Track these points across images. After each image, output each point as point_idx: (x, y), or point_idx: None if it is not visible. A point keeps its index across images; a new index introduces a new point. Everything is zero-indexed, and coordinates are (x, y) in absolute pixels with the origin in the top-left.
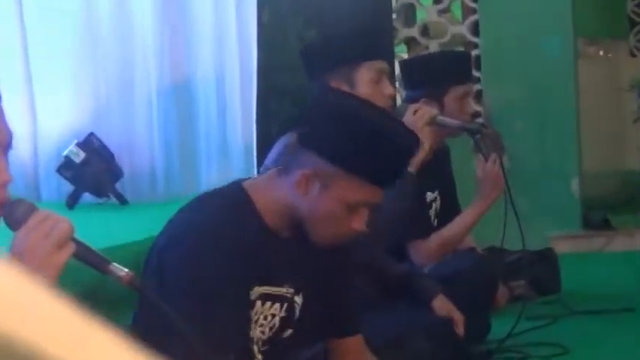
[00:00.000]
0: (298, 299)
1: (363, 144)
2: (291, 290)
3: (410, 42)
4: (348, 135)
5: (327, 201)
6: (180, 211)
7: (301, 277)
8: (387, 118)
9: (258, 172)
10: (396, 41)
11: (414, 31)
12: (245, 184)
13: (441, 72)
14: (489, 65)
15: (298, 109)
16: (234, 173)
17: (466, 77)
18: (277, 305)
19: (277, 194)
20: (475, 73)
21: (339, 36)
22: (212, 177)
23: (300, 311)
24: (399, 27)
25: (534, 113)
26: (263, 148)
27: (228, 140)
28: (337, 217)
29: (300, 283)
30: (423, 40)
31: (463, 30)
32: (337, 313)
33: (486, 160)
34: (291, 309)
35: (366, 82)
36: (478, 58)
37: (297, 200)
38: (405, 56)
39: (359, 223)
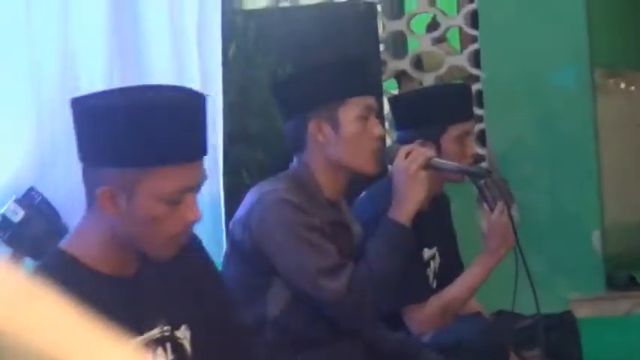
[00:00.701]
0: (181, 334)
1: (134, 130)
2: (168, 328)
3: (400, 76)
4: (116, 131)
5: (142, 208)
6: None
7: (176, 309)
8: (137, 92)
9: (227, 228)
10: (384, 75)
11: (405, 64)
12: (64, 247)
13: (437, 109)
14: (493, 101)
15: (272, 155)
16: (197, 228)
17: (466, 114)
18: (160, 350)
19: (93, 236)
20: (477, 111)
21: (320, 69)
22: None
23: (192, 344)
24: (388, 59)
25: (546, 155)
26: (232, 200)
27: None
28: (162, 217)
29: (177, 315)
30: (415, 74)
31: (462, 61)
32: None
33: (492, 210)
34: (177, 348)
35: (351, 121)
36: (480, 92)
37: (114, 225)
38: (396, 92)
39: (191, 212)
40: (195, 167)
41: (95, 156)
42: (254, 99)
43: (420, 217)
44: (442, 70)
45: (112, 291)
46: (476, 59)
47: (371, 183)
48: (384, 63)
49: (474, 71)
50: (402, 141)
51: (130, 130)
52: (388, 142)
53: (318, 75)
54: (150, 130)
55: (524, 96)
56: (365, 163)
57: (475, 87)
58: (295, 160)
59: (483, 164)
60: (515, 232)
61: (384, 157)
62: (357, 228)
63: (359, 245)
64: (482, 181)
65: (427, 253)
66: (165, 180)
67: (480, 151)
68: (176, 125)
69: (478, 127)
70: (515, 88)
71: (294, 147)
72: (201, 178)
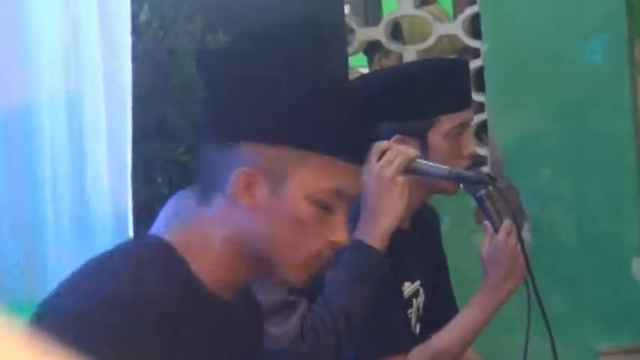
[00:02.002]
0: None
1: (311, 103)
2: None
3: (372, 48)
4: (286, 101)
5: (286, 205)
6: (70, 279)
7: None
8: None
9: None
10: (350, 48)
11: (379, 32)
12: (166, 237)
13: (422, 94)
14: (498, 83)
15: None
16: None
17: (462, 101)
18: None
19: (209, 234)
20: (476, 96)
21: (266, 35)
22: (64, 262)
23: None
24: (356, 25)
25: (570, 157)
26: (144, 216)
27: (89, 207)
28: (308, 223)
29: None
30: (393, 46)
31: (455, 29)
32: None
33: (496, 230)
34: None
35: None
36: (480, 71)
37: (240, 223)
38: (365, 70)
39: (339, 230)
40: (355, 172)
41: (254, 125)
42: (174, 78)
43: (398, 239)
44: (429, 42)
45: (212, 311)
46: (474, 27)
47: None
48: (349, 31)
49: (472, 43)
50: (376, 135)
51: (318, 104)
52: None
53: (265, 45)
54: (322, 112)
55: (539, 76)
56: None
57: (473, 64)
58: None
59: (485, 168)
60: (527, 261)
61: None
62: None
63: (315, 276)
64: (482, 191)
65: (408, 288)
66: (325, 173)
67: (481, 150)
68: (346, 115)
69: (478, 118)
70: (526, 66)
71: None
72: (358, 189)
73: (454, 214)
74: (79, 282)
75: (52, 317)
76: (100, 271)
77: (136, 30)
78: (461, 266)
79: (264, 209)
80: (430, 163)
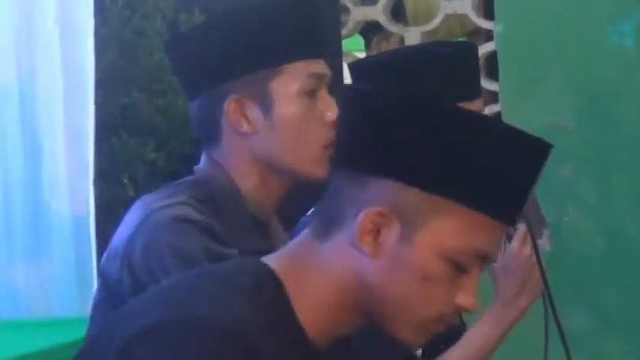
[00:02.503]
0: None
1: (475, 152)
2: None
3: (370, 30)
4: (448, 142)
5: (416, 257)
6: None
7: None
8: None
9: (98, 261)
10: (344, 29)
11: (378, 11)
12: (273, 265)
13: (426, 82)
14: (513, 69)
15: (169, 152)
16: (54, 267)
17: (470, 90)
18: None
19: (321, 277)
20: (487, 84)
21: (242, 17)
22: (15, 274)
23: None
24: (350, 3)
25: (596, 154)
26: (107, 219)
27: (45, 212)
28: (435, 283)
29: None
30: (393, 27)
31: (465, 7)
32: None
33: (509, 238)
34: None
35: (290, 97)
36: (492, 57)
37: (359, 271)
38: (362, 55)
39: (469, 295)
40: (501, 234)
41: (376, 160)
42: (142, 65)
43: None
44: (435, 22)
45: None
46: (486, 6)
47: (322, 193)
48: (344, 9)
49: (484, 24)
50: None
51: (482, 154)
52: None
53: (240, 26)
54: (501, 164)
55: (560, 62)
56: (312, 163)
57: (485, 48)
58: (204, 159)
59: None
60: (543, 273)
61: None
62: None
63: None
64: None
65: None
66: (471, 232)
67: None
68: (525, 172)
69: (490, 109)
70: (546, 51)
71: (202, 139)
72: (496, 253)
73: None
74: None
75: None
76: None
77: (99, 9)
78: None
79: (389, 258)
80: None
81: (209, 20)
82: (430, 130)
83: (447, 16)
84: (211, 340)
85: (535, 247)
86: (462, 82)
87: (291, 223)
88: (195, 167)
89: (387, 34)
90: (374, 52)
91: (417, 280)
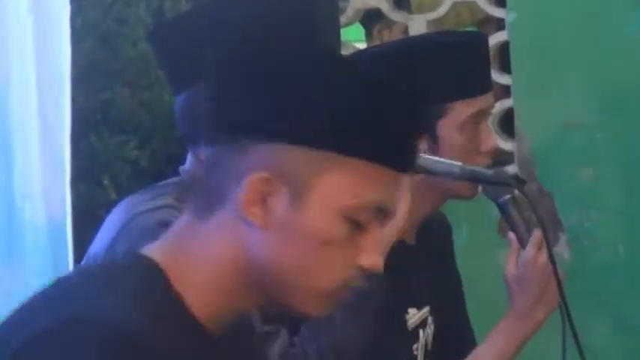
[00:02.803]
0: None
1: (356, 100)
2: None
3: (371, 18)
4: (327, 93)
5: (310, 221)
6: (39, 300)
7: None
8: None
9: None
10: (343, 17)
11: None
12: (153, 256)
13: (432, 75)
14: (527, 61)
15: (154, 151)
16: (28, 275)
17: (481, 85)
18: None
19: (208, 259)
20: (499, 78)
21: (235, 9)
22: None
23: None
24: None
25: (615, 152)
26: (85, 224)
27: (14, 215)
28: (335, 247)
29: None
30: (397, 15)
31: None
32: None
33: (524, 245)
34: None
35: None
36: (504, 47)
37: (249, 245)
38: (363, 46)
39: (373, 254)
40: (397, 183)
41: (252, 125)
42: (124, 56)
43: (400, 255)
44: (441, 10)
45: (200, 347)
46: None
47: None
48: None
49: (495, 12)
50: None
51: (358, 100)
52: None
53: (230, 14)
54: (378, 108)
55: (577, 54)
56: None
57: (496, 38)
58: (190, 158)
59: (511, 168)
60: (560, 283)
61: None
62: None
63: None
64: (507, 196)
65: (414, 316)
66: (365, 183)
67: (506, 145)
68: (402, 113)
69: (502, 105)
70: (563, 41)
71: (187, 137)
72: (397, 202)
73: (472, 225)
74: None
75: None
76: (83, 297)
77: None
78: (480, 289)
79: (280, 228)
80: (438, 159)
81: (196, 8)
82: (308, 84)
83: (455, 4)
84: (99, 341)
85: (551, 254)
86: (471, 75)
87: None
88: (181, 168)
89: (390, 23)
90: (375, 43)
91: (314, 246)
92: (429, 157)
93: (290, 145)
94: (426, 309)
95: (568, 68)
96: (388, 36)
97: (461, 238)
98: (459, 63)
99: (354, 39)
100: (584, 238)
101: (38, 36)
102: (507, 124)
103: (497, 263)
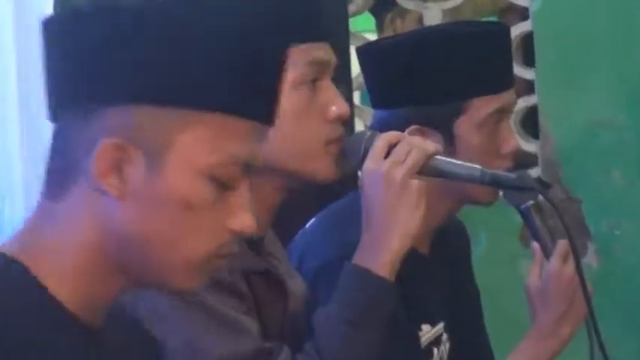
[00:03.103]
0: None
1: (198, 49)
2: None
3: (382, 7)
4: (160, 44)
5: (170, 186)
6: None
7: None
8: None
9: None
10: (352, 5)
11: None
12: (9, 249)
13: (448, 70)
14: (552, 54)
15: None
16: None
17: (500, 80)
18: None
19: (66, 240)
20: (522, 72)
21: None
22: None
23: None
24: None
25: None
26: None
27: None
28: (200, 211)
29: None
30: (409, 3)
31: None
32: None
33: (548, 255)
34: None
35: (288, 87)
36: (528, 39)
37: (107, 219)
38: (373, 37)
39: (242, 213)
40: (257, 135)
41: (99, 88)
42: None
43: (414, 266)
44: None
45: (77, 345)
46: None
47: (324, 202)
48: None
49: (520, 1)
50: (382, 126)
51: (209, 52)
52: (359, 127)
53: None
54: (213, 54)
55: (607, 47)
56: (314, 164)
57: (520, 29)
58: None
59: (534, 171)
60: (587, 297)
61: (349, 153)
62: (297, 285)
63: (301, 317)
64: (530, 202)
65: (428, 332)
66: (222, 137)
67: (529, 146)
68: (245, 57)
69: (525, 101)
70: (591, 33)
71: None
72: (258, 157)
73: (492, 233)
74: None
75: None
76: None
77: None
78: (500, 303)
79: (140, 196)
80: (456, 161)
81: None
82: (148, 39)
83: None
84: None
85: (578, 265)
86: (491, 69)
87: (287, 239)
88: None
89: (403, 12)
90: (387, 33)
91: (178, 212)
92: (445, 158)
93: (138, 105)
94: (441, 325)
95: (597, 62)
96: (401, 26)
97: (480, 247)
98: (478, 56)
99: (363, 29)
100: (615, 248)
101: (18, 26)
102: (531, 122)
103: (519, 274)
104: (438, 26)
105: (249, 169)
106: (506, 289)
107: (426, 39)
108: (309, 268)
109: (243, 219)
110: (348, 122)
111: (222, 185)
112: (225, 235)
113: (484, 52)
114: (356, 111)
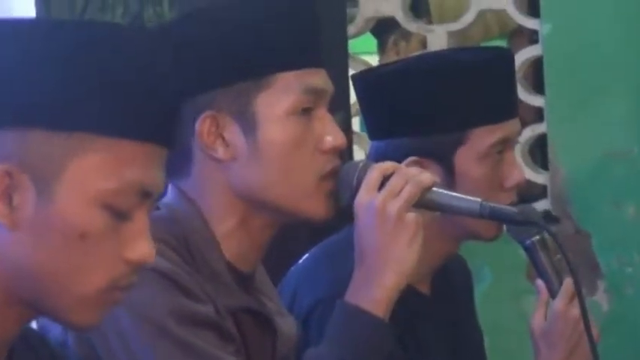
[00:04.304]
0: None
1: (91, 69)
2: None
3: (385, 28)
4: (58, 64)
5: (62, 214)
6: None
7: None
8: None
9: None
10: (352, 27)
11: (393, 6)
12: None
13: (450, 97)
14: (563, 80)
15: None
16: None
17: (504, 109)
18: None
19: None
20: (531, 99)
21: (221, 15)
22: None
23: None
24: None
25: None
26: None
27: None
28: (95, 241)
29: None
30: (412, 25)
31: (503, 2)
32: None
33: (553, 294)
34: None
35: (279, 116)
36: (537, 64)
37: (0, 251)
38: (375, 61)
39: (140, 242)
40: (160, 161)
41: (16, 107)
42: None
43: (412, 306)
44: (466, 19)
45: None
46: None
47: (318, 237)
48: (350, 2)
49: (527, 22)
50: (379, 157)
51: (98, 70)
52: (358, 156)
53: (217, 25)
54: (120, 77)
55: (620, 71)
56: (306, 199)
57: (528, 53)
58: (171, 191)
59: (542, 203)
60: (592, 342)
61: (343, 185)
62: (287, 325)
63: (292, 358)
64: (534, 238)
65: None
66: (120, 163)
67: (537, 177)
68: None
69: (534, 130)
70: (606, 58)
71: (168, 166)
72: (163, 186)
73: (498, 268)
74: None
75: None
76: None
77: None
78: (504, 342)
79: (31, 225)
80: (454, 194)
81: (179, 18)
82: (36, 59)
83: (482, 13)
84: None
85: (583, 307)
86: (493, 97)
87: (278, 276)
88: (161, 201)
89: (406, 34)
90: (390, 56)
91: (70, 243)
92: (443, 191)
93: (28, 128)
94: None
95: (611, 88)
96: (405, 48)
97: (484, 283)
98: (478, 84)
99: (364, 51)
100: (626, 286)
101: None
102: (539, 153)
103: (524, 312)
104: (435, 53)
105: (149, 196)
106: (509, 327)
107: (423, 67)
108: (301, 306)
109: (142, 248)
110: (346, 150)
111: (118, 214)
112: (122, 267)
113: (485, 80)
114: (355, 138)
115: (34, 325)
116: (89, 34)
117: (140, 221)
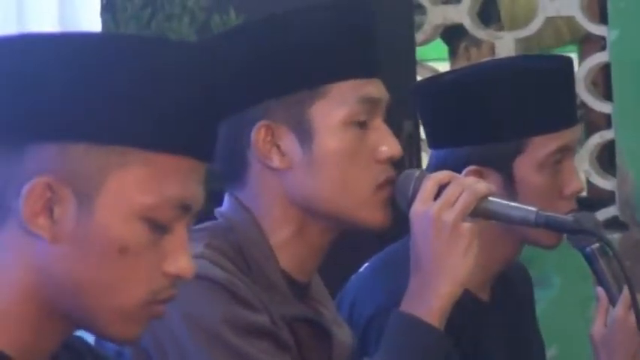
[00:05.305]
0: None
1: (134, 85)
2: None
3: (455, 35)
4: (103, 81)
5: (103, 228)
6: None
7: None
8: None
9: None
10: (420, 34)
11: (461, 13)
12: None
13: (505, 106)
14: (631, 86)
15: None
16: None
17: (564, 118)
18: None
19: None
20: (599, 105)
21: (277, 25)
22: None
23: None
24: (428, 2)
25: None
26: None
27: None
28: (136, 254)
29: None
30: (480, 32)
31: (572, 9)
32: None
33: (613, 302)
34: None
35: (335, 126)
36: (606, 69)
37: (39, 263)
38: (446, 68)
39: (181, 257)
40: (201, 176)
41: (24, 124)
42: None
43: (471, 314)
44: (534, 26)
45: None
46: (600, 6)
47: (376, 246)
48: (418, 9)
49: (595, 29)
50: (439, 167)
51: (143, 85)
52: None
53: (275, 34)
54: (168, 93)
55: None
56: (362, 208)
57: (596, 59)
58: (227, 200)
59: (611, 209)
60: None
61: (397, 194)
62: (344, 334)
63: None
64: (594, 245)
65: None
66: (162, 178)
67: (605, 183)
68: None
69: (602, 137)
70: None
71: (225, 175)
72: (203, 200)
73: (565, 275)
74: None
75: None
76: None
77: (109, 7)
78: (574, 351)
79: (72, 238)
80: (510, 203)
81: (238, 26)
82: (81, 73)
83: (551, 19)
84: None
85: (637, 312)
86: (553, 106)
87: (336, 287)
88: (217, 210)
89: (477, 40)
90: (461, 62)
91: (111, 256)
92: (499, 200)
93: (71, 142)
94: None
95: None
96: (476, 55)
97: (552, 290)
98: (539, 93)
99: (433, 57)
100: None
101: None
102: (607, 159)
103: (591, 319)
104: (494, 62)
105: (188, 210)
106: (577, 334)
107: (482, 76)
108: (360, 316)
109: (181, 262)
110: (414, 158)
111: (160, 228)
112: (162, 280)
113: (544, 89)
114: (423, 146)
115: (85, 334)
116: (133, 49)
117: (179, 235)
